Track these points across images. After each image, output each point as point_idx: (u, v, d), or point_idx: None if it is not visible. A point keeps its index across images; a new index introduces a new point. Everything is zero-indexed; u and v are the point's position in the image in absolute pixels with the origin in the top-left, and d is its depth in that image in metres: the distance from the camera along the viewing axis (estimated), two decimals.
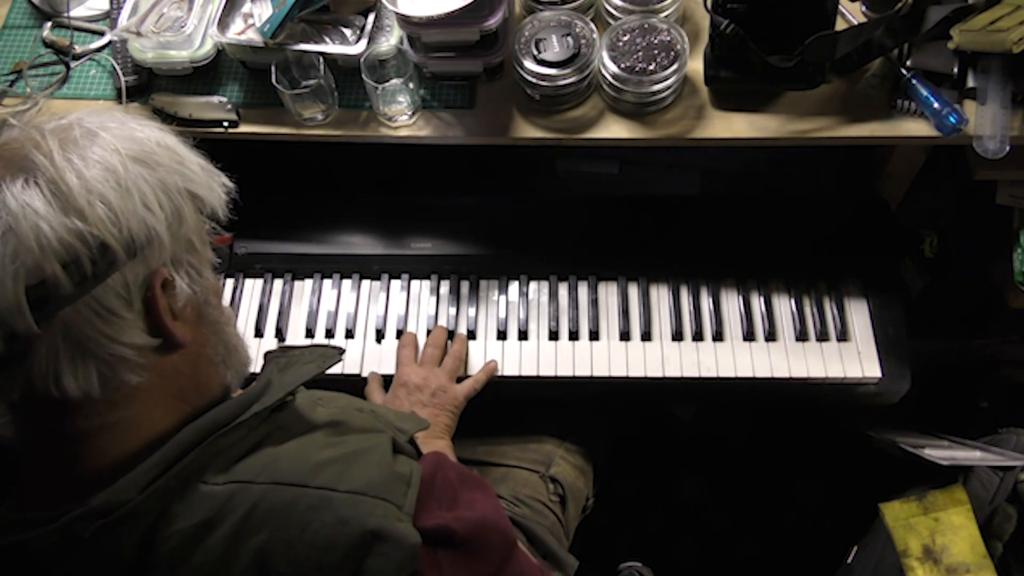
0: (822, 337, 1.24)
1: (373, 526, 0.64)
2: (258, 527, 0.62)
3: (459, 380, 1.19)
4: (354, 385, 1.20)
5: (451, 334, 1.25)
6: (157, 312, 0.63)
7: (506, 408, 1.29)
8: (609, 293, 1.29)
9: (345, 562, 0.63)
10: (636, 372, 1.23)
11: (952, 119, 1.03)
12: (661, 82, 1.06)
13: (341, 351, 0.85)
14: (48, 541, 0.60)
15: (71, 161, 0.60)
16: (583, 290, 1.29)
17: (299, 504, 0.64)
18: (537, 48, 1.08)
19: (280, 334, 1.27)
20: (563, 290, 1.29)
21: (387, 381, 1.20)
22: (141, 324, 0.63)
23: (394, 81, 1.07)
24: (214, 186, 0.69)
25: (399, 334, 1.26)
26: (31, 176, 0.58)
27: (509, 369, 1.23)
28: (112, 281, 0.60)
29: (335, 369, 0.86)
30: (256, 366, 0.76)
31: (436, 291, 1.29)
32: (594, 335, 1.25)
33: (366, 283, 1.31)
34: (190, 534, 0.62)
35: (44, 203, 0.57)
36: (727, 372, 1.22)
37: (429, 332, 1.24)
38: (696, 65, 1.11)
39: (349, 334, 1.27)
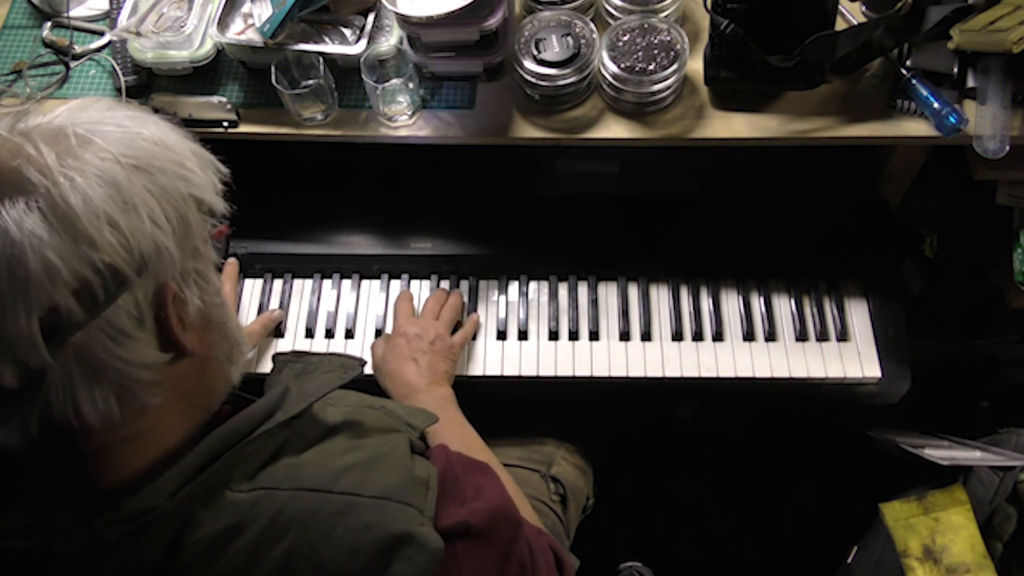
0: (822, 337, 1.24)
1: (397, 531, 0.64)
2: (283, 533, 0.63)
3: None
4: (353, 385, 1.20)
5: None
6: (169, 327, 0.61)
7: (506, 408, 1.29)
8: (609, 293, 1.29)
9: (370, 567, 0.63)
10: (636, 372, 1.23)
11: (952, 119, 1.03)
12: (661, 82, 1.06)
13: (363, 362, 0.85)
14: (74, 546, 0.60)
15: (72, 180, 0.56)
16: (583, 290, 1.29)
17: (323, 510, 0.64)
18: (537, 48, 1.08)
19: (280, 334, 1.27)
20: (563, 290, 1.29)
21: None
22: (153, 341, 0.61)
23: (394, 81, 1.07)
24: (212, 180, 0.66)
25: None
26: (30, 198, 0.55)
27: (509, 369, 1.23)
28: (123, 301, 0.58)
29: None
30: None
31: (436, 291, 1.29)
32: (594, 335, 1.25)
33: (366, 283, 1.31)
34: (215, 539, 0.62)
35: (50, 231, 0.54)
36: (727, 372, 1.22)
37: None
38: (696, 65, 1.11)
39: (349, 334, 1.27)
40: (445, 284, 1.29)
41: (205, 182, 0.65)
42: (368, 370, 1.19)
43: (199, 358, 0.66)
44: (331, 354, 0.90)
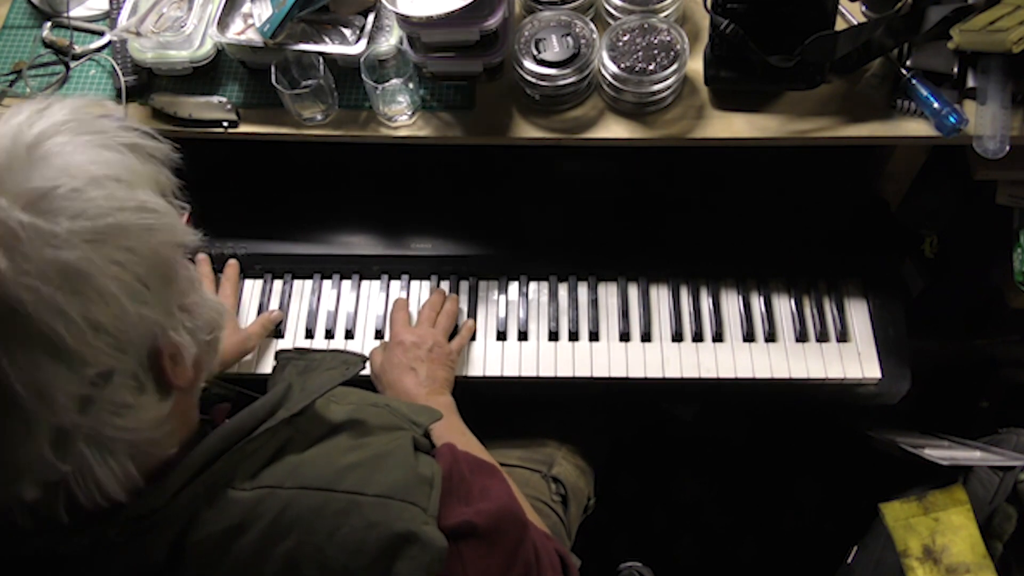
0: (822, 338, 1.24)
1: (401, 530, 0.64)
2: (287, 532, 0.63)
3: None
4: (354, 383, 1.20)
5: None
6: (167, 379, 0.60)
7: (507, 409, 1.29)
8: (609, 293, 1.29)
9: (374, 566, 0.63)
10: (636, 373, 1.23)
11: (952, 119, 1.03)
12: (661, 82, 1.06)
13: (364, 358, 0.85)
14: (79, 547, 0.60)
15: (37, 291, 0.50)
16: (583, 290, 1.29)
17: (327, 509, 0.64)
18: (537, 48, 1.08)
19: (280, 334, 1.27)
20: (563, 290, 1.29)
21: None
22: (155, 397, 0.60)
23: (394, 81, 1.07)
24: (173, 200, 0.61)
25: None
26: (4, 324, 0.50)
27: (509, 370, 1.23)
28: (119, 380, 0.56)
29: None
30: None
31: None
32: (594, 336, 1.25)
33: (366, 283, 1.31)
34: (219, 539, 0.62)
35: (34, 361, 0.51)
36: (727, 373, 1.22)
37: None
38: (696, 65, 1.11)
39: (349, 334, 1.27)
40: (445, 284, 1.29)
41: (170, 217, 0.60)
42: (366, 371, 1.19)
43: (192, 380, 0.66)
44: (333, 351, 0.90)
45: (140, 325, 0.56)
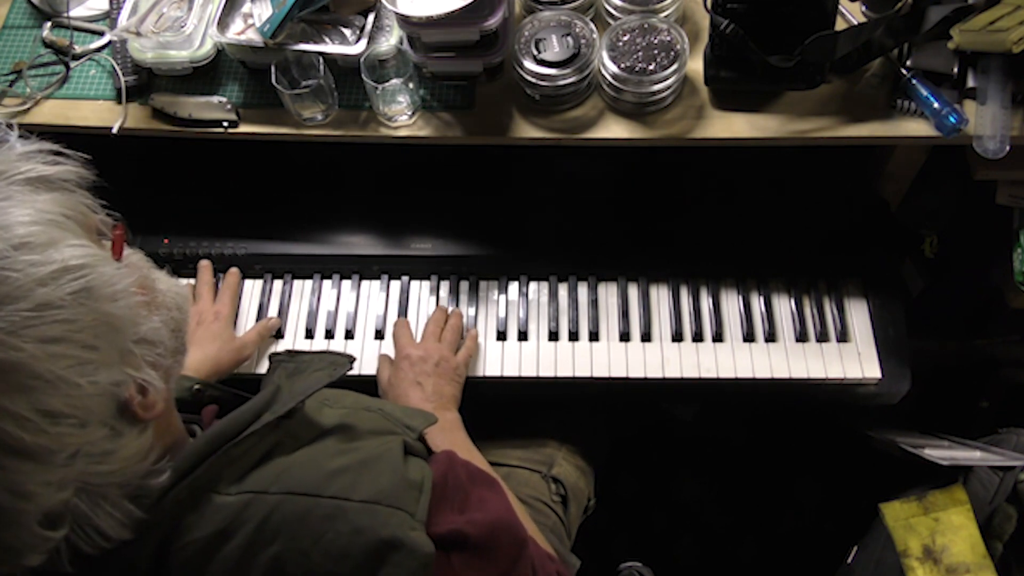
0: (822, 338, 1.24)
1: (387, 536, 0.64)
2: (272, 537, 0.62)
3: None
4: (354, 385, 1.20)
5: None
6: (139, 417, 0.59)
7: (507, 409, 1.29)
8: (609, 293, 1.29)
9: (359, 572, 0.63)
10: (636, 373, 1.23)
11: (952, 119, 1.03)
12: (661, 82, 1.06)
13: (351, 359, 0.85)
14: (61, 559, 0.59)
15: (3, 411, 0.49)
16: (583, 290, 1.29)
17: (313, 514, 0.64)
18: (537, 48, 1.08)
19: (280, 334, 1.27)
20: (563, 290, 1.29)
21: None
22: (133, 434, 0.59)
23: (394, 81, 1.07)
24: (99, 221, 0.59)
25: None
26: None
27: (509, 370, 1.23)
28: (95, 435, 0.55)
29: None
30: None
31: (436, 291, 1.29)
32: (594, 336, 1.25)
33: (366, 283, 1.31)
34: (204, 545, 0.62)
35: (12, 471, 0.51)
36: (727, 373, 1.22)
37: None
38: (696, 65, 1.11)
39: (349, 334, 1.27)
40: (445, 284, 1.29)
41: (101, 264, 0.55)
42: (365, 369, 1.19)
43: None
44: (322, 352, 0.90)
45: (97, 394, 0.54)
